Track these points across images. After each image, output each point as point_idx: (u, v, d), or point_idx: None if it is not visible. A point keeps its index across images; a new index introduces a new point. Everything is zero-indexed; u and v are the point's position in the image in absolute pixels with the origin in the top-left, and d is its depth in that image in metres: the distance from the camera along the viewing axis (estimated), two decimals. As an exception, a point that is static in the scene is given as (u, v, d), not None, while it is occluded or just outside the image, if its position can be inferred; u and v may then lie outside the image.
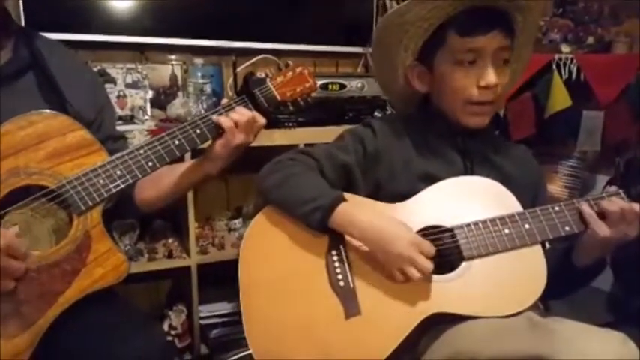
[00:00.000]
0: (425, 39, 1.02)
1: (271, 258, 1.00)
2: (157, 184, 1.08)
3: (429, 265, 0.88)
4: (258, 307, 0.97)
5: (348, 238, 0.97)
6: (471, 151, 1.06)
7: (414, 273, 0.87)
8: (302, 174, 1.01)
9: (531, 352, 0.76)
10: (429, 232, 0.96)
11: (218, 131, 1.00)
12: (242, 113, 1.00)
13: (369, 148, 1.04)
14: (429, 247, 0.89)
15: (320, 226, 0.95)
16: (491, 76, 0.96)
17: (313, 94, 1.14)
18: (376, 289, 0.94)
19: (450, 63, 0.99)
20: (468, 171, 1.04)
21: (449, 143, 1.06)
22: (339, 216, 0.94)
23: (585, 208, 0.93)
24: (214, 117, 0.99)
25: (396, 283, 0.91)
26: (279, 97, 1.07)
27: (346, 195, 0.97)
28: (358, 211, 0.94)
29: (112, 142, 1.08)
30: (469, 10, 0.97)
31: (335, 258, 0.97)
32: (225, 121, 0.98)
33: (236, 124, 0.98)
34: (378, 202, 1.01)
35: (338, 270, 0.96)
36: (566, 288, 1.03)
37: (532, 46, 1.10)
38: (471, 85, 0.98)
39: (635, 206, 0.90)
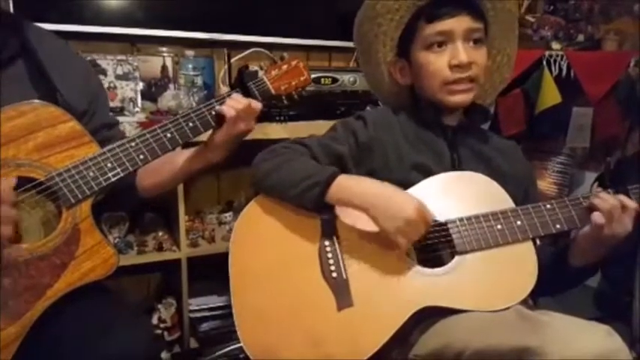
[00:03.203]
0: (399, 33, 1.05)
1: (263, 248, 0.99)
2: (158, 172, 1.08)
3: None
4: (249, 297, 0.96)
5: (341, 224, 0.97)
6: (459, 143, 1.06)
7: (412, 235, 0.89)
8: (297, 159, 1.01)
9: (520, 343, 0.77)
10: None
11: (215, 121, 0.99)
12: (239, 101, 1.00)
13: (360, 138, 1.04)
14: (429, 216, 0.90)
15: (317, 203, 0.94)
16: (462, 55, 0.98)
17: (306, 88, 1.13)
18: (369, 281, 0.94)
19: (422, 50, 1.02)
20: (456, 164, 1.04)
21: (437, 135, 1.06)
22: (338, 188, 0.93)
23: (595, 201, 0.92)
24: (217, 107, 0.99)
25: (381, 246, 0.92)
26: (273, 91, 1.07)
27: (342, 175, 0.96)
28: (357, 181, 0.95)
29: (107, 129, 1.07)
30: (436, 0, 0.99)
31: (328, 249, 0.96)
32: (227, 110, 0.98)
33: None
34: None
35: (331, 261, 0.95)
36: (558, 287, 1.04)
37: (516, 40, 1.10)
38: (444, 66, 1.00)
39: (625, 201, 0.91)
